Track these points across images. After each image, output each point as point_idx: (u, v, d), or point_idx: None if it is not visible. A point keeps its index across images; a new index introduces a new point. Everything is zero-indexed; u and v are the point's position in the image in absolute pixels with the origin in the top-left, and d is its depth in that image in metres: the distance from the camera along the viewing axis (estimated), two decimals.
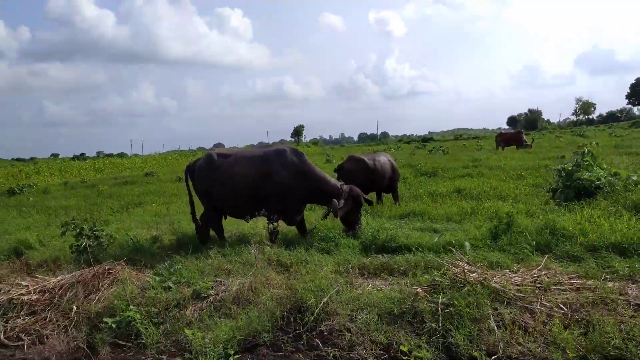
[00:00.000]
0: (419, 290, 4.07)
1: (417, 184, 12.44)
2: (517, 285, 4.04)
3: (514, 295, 3.86)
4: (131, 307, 4.27)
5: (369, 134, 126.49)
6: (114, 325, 4.09)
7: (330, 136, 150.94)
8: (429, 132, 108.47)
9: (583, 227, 5.68)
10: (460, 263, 4.41)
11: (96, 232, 6.55)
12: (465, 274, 4.14)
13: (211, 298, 4.51)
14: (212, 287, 4.71)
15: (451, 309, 3.70)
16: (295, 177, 6.57)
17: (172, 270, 5.20)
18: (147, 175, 23.81)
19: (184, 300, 4.50)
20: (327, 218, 7.12)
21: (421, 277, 4.47)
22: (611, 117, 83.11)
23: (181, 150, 66.13)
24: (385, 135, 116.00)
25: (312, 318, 3.80)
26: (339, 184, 6.80)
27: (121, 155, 67.31)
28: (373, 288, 4.50)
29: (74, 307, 4.48)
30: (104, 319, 4.18)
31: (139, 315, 4.14)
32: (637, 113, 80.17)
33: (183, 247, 6.47)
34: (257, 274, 4.76)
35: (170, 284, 4.85)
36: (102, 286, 4.88)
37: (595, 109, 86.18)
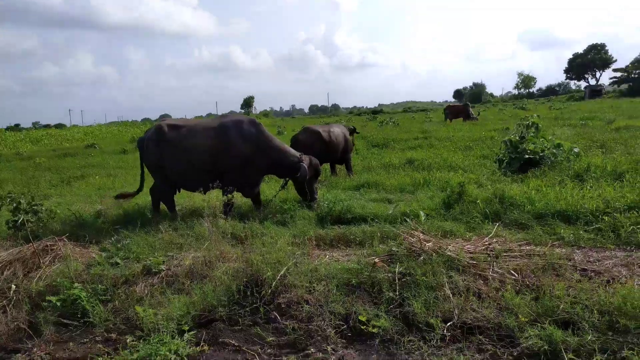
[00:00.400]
0: (376, 260, 4.06)
1: (369, 155, 12.53)
2: (471, 253, 4.12)
3: (468, 262, 3.93)
4: (76, 284, 4.02)
5: (320, 105, 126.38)
6: (58, 304, 3.84)
7: (281, 108, 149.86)
8: (379, 105, 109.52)
9: (530, 196, 5.89)
10: (416, 233, 4.44)
11: (35, 207, 6.12)
12: (421, 243, 4.17)
13: (163, 273, 4.32)
14: (164, 262, 4.51)
15: (408, 278, 3.73)
16: (253, 149, 6.35)
17: (119, 245, 4.95)
18: (89, 147, 22.74)
19: (133, 276, 4.28)
20: (284, 189, 7.02)
21: (378, 247, 4.47)
22: (550, 91, 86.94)
23: (125, 122, 63.36)
24: (336, 107, 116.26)
25: (270, 291, 3.72)
26: (298, 154, 6.67)
27: (59, 126, 63.50)
28: (330, 259, 4.47)
29: (13, 286, 4.17)
30: (47, 298, 3.93)
31: (84, 293, 3.91)
32: (573, 87, 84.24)
33: (131, 221, 6.17)
34: (211, 248, 4.61)
35: (118, 260, 4.62)
36: (43, 264, 4.57)
37: (535, 82, 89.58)
